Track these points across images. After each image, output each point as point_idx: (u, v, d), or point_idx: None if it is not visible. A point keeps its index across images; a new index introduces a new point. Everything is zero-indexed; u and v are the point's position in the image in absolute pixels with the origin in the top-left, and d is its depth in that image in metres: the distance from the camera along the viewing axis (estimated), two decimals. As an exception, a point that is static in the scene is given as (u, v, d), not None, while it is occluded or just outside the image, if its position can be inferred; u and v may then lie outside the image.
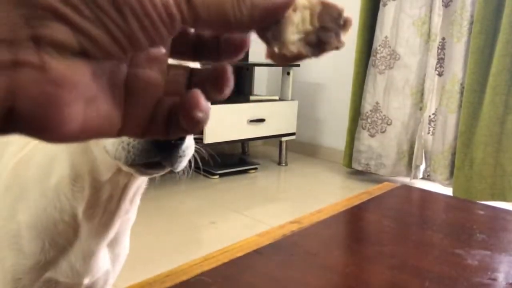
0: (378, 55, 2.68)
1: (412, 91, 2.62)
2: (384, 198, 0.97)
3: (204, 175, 2.69)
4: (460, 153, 2.37)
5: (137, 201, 0.63)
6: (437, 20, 2.50)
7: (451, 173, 2.49)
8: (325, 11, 0.22)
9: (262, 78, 3.56)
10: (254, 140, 3.11)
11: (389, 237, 0.78)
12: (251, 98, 2.87)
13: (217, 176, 2.66)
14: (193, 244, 1.73)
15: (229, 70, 0.24)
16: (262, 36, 0.23)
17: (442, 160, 2.54)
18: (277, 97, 2.99)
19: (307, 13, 0.22)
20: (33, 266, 0.56)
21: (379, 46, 2.67)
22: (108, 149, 0.47)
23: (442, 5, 2.50)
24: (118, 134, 0.23)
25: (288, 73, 2.97)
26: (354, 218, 0.86)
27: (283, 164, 3.04)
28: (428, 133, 2.65)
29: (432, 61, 2.54)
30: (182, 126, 0.23)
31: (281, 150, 3.03)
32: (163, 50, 0.24)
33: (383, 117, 2.70)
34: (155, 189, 2.38)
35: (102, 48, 0.20)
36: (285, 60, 0.23)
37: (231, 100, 2.72)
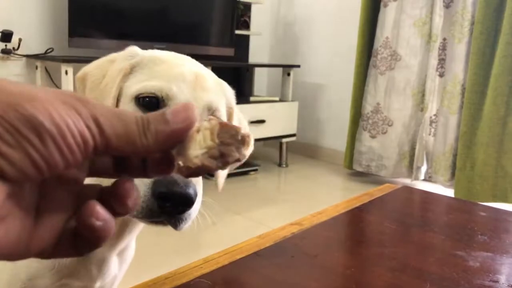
0: (379, 56, 2.68)
1: (413, 92, 2.61)
2: (385, 200, 0.96)
3: (204, 177, 2.68)
4: (461, 154, 2.37)
5: None
6: (438, 20, 2.49)
7: (453, 174, 2.48)
8: (223, 130, 0.25)
9: (263, 79, 3.56)
10: (254, 141, 3.10)
11: (390, 239, 0.77)
12: (251, 99, 2.86)
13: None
14: (193, 246, 1.73)
15: (130, 187, 0.25)
16: (169, 153, 0.26)
17: (443, 161, 2.53)
18: (277, 98, 2.98)
19: (207, 132, 0.25)
20: (47, 270, 0.55)
21: (380, 46, 2.67)
22: None
23: (443, 6, 2.50)
24: (23, 256, 0.24)
25: (289, 74, 2.97)
26: (355, 220, 0.85)
27: (284, 166, 3.03)
28: (429, 134, 2.64)
29: (433, 62, 2.53)
30: (87, 240, 0.24)
31: (281, 151, 3.03)
32: (76, 173, 0.26)
33: (384, 118, 2.69)
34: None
35: (20, 170, 0.21)
36: (192, 172, 0.26)
37: (231, 101, 2.71)
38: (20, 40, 2.17)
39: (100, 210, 0.24)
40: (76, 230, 0.25)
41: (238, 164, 0.26)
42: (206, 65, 2.51)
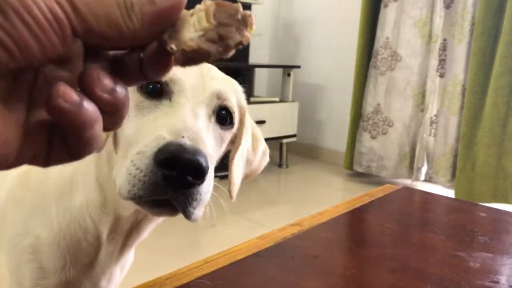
0: (379, 57, 2.68)
1: (414, 93, 2.61)
2: (386, 200, 0.96)
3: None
4: (462, 155, 2.37)
5: None
6: (438, 21, 2.49)
7: (453, 175, 2.48)
8: (220, 9, 0.23)
9: (263, 79, 3.56)
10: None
11: (390, 240, 0.77)
12: (252, 99, 2.86)
13: (217, 179, 2.65)
14: (193, 247, 1.73)
15: (97, 73, 0.22)
16: (162, 42, 0.23)
17: (444, 162, 2.53)
18: (277, 99, 2.98)
19: (202, 14, 0.23)
20: (55, 285, 0.54)
21: (380, 47, 2.67)
22: (117, 183, 0.42)
23: (444, 6, 2.50)
24: (14, 162, 0.22)
25: (289, 75, 2.97)
26: (355, 221, 0.85)
27: (284, 166, 3.03)
28: (430, 134, 2.64)
29: (434, 62, 2.53)
30: (70, 135, 0.22)
31: (281, 152, 3.03)
32: (65, 72, 0.23)
33: (384, 118, 2.69)
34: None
35: None
36: (188, 59, 0.23)
37: (232, 101, 2.72)
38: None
39: (66, 90, 0.21)
40: (56, 125, 0.22)
41: (240, 46, 0.24)
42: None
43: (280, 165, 3.04)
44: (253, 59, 3.35)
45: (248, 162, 0.57)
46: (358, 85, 2.77)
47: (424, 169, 2.67)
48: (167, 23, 0.23)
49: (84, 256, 0.55)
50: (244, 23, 0.24)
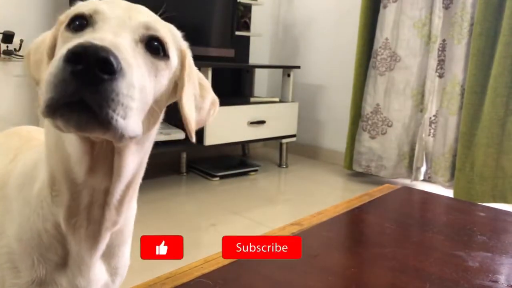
0: (378, 57, 2.68)
1: (413, 93, 2.62)
2: (385, 200, 0.97)
3: (204, 177, 2.69)
4: (461, 155, 2.37)
5: (129, 213, 0.57)
6: (437, 21, 2.50)
7: (452, 175, 2.48)
8: None
9: (263, 79, 3.56)
10: (254, 142, 3.11)
11: (389, 239, 0.78)
12: (252, 99, 2.87)
13: (217, 178, 2.66)
14: (193, 246, 1.73)
15: None
16: None
17: (443, 162, 2.54)
18: (277, 99, 2.99)
19: None
20: (27, 285, 0.51)
21: (379, 47, 2.67)
22: (41, 101, 0.39)
23: (443, 7, 2.50)
24: None
25: (289, 75, 2.97)
26: (354, 220, 0.85)
27: (284, 166, 3.04)
28: (429, 134, 2.65)
29: (433, 62, 2.54)
30: None
31: (281, 152, 3.03)
32: None
33: (384, 118, 2.70)
34: (155, 191, 2.38)
35: None
36: None
37: (231, 102, 2.72)
38: (21, 41, 2.18)
39: None
40: None
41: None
42: (206, 66, 2.52)
43: (280, 165, 3.04)
44: (253, 59, 3.35)
45: (197, 108, 0.55)
46: (357, 86, 2.78)
47: (423, 169, 2.67)
48: None
49: (51, 251, 0.52)
50: None
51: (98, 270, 0.56)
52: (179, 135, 2.51)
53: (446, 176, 2.52)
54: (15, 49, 2.17)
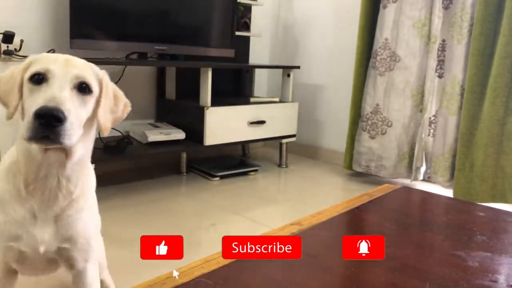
0: (378, 57, 2.68)
1: (413, 93, 2.62)
2: (385, 200, 0.97)
3: (204, 177, 2.69)
4: (460, 155, 2.37)
5: (85, 188, 0.82)
6: (437, 22, 2.50)
7: (452, 175, 2.49)
8: None
9: (263, 80, 3.57)
10: (254, 142, 3.11)
11: (389, 239, 0.78)
12: (252, 100, 2.87)
13: (217, 178, 2.66)
14: (193, 246, 1.73)
15: None
16: None
17: (443, 162, 2.54)
18: (277, 99, 2.99)
19: None
20: (1, 229, 0.78)
21: (379, 48, 2.68)
22: (23, 134, 0.68)
23: (442, 7, 2.50)
24: None
25: (289, 75, 2.97)
26: (354, 220, 0.86)
27: (284, 166, 3.04)
28: (429, 135, 2.65)
29: (432, 63, 2.54)
30: None
31: (281, 152, 3.03)
32: None
33: (384, 118, 2.70)
34: (155, 191, 2.39)
35: None
36: None
37: (231, 102, 2.72)
38: (21, 41, 2.18)
39: None
40: None
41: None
42: (206, 66, 2.52)
43: (280, 165, 3.05)
44: (253, 59, 3.36)
45: (113, 112, 0.84)
46: (357, 86, 2.78)
47: (423, 169, 2.67)
48: None
49: (16, 212, 0.78)
50: None
51: (53, 232, 0.79)
52: (179, 135, 2.52)
53: (445, 176, 2.52)
54: (15, 49, 2.17)
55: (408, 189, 1.10)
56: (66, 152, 0.75)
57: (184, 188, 2.54)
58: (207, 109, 2.48)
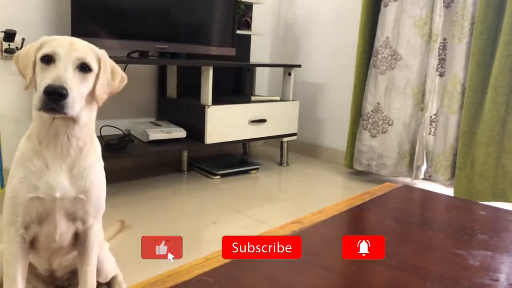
0: (379, 56, 2.68)
1: (414, 92, 2.62)
2: (386, 199, 0.97)
3: (205, 176, 2.69)
4: (461, 154, 2.37)
5: (91, 147, 0.99)
6: (438, 20, 2.50)
7: (453, 173, 2.48)
8: None
9: (264, 78, 3.57)
10: (255, 141, 3.11)
11: (390, 237, 0.78)
12: (253, 98, 2.87)
13: (218, 177, 2.66)
14: (194, 244, 1.73)
15: None
16: None
17: (444, 161, 2.54)
18: (278, 98, 2.99)
19: None
20: (21, 185, 0.93)
21: (380, 46, 2.67)
22: (34, 103, 0.85)
23: (443, 6, 2.50)
24: None
25: (290, 74, 2.97)
26: (355, 218, 0.86)
27: (284, 165, 3.04)
28: (430, 133, 2.65)
29: (433, 61, 2.54)
30: None
31: (282, 151, 3.03)
32: None
33: (384, 117, 2.70)
34: (156, 189, 2.39)
35: None
36: None
37: (232, 100, 2.72)
38: (23, 39, 2.18)
39: None
40: None
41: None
42: (207, 64, 2.53)
43: (280, 163, 3.05)
44: (254, 58, 3.35)
45: (110, 85, 0.98)
46: (358, 84, 2.78)
47: (423, 168, 2.67)
48: None
49: (34, 166, 0.94)
50: None
51: (67, 181, 0.95)
52: (180, 133, 2.52)
53: (446, 174, 2.52)
54: (16, 47, 2.17)
55: (409, 188, 1.10)
56: (73, 119, 0.91)
57: (185, 186, 2.54)
58: (208, 107, 2.48)
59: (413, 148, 2.66)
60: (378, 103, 2.71)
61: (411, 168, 2.67)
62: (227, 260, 0.61)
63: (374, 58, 2.71)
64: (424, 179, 2.69)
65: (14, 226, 0.96)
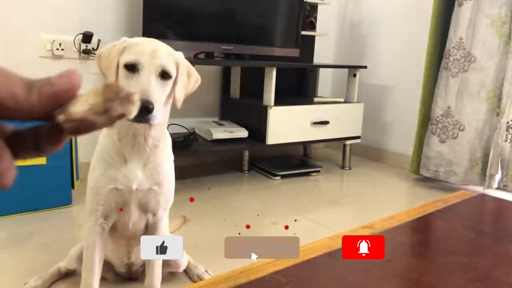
0: (451, 58, 2.56)
1: (489, 96, 2.47)
2: (461, 207, 0.92)
3: (266, 176, 2.71)
4: (541, 163, 2.20)
5: (163, 144, 1.08)
6: (519, 20, 2.34)
7: (531, 184, 2.31)
8: (108, 90, 0.28)
9: (327, 80, 3.52)
10: (317, 143, 3.08)
11: (467, 248, 0.74)
12: (315, 99, 2.84)
13: (278, 177, 2.66)
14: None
15: (7, 166, 0.27)
16: (53, 116, 0.27)
17: (521, 170, 2.37)
18: (342, 99, 2.94)
19: (91, 93, 0.28)
20: (102, 176, 1.03)
21: (452, 48, 2.55)
22: None
23: (525, 4, 2.33)
24: None
25: (355, 75, 2.91)
26: (428, 226, 0.82)
27: (347, 168, 2.98)
28: (506, 140, 2.48)
29: (512, 63, 2.38)
30: None
31: (344, 154, 2.98)
32: None
33: (455, 122, 2.56)
34: (218, 187, 2.43)
35: None
36: (75, 127, 0.27)
37: (294, 101, 2.71)
38: (99, 41, 2.31)
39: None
40: None
41: (124, 119, 0.29)
42: (271, 66, 2.54)
43: (343, 167, 2.99)
44: (318, 59, 3.32)
45: (185, 87, 1.06)
46: (427, 87, 2.66)
47: (497, 177, 2.51)
48: (62, 101, 0.27)
49: (114, 160, 1.04)
50: (127, 99, 0.28)
51: (142, 175, 1.04)
52: (242, 133, 2.55)
53: (523, 185, 2.35)
54: (93, 48, 2.31)
55: (486, 197, 1.03)
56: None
57: (246, 186, 2.57)
58: (270, 108, 2.49)
59: (486, 155, 2.51)
60: (449, 107, 2.58)
61: (483, 176, 2.51)
62: (298, 261, 0.60)
63: (446, 60, 2.58)
64: (497, 188, 2.53)
65: (94, 215, 1.05)
